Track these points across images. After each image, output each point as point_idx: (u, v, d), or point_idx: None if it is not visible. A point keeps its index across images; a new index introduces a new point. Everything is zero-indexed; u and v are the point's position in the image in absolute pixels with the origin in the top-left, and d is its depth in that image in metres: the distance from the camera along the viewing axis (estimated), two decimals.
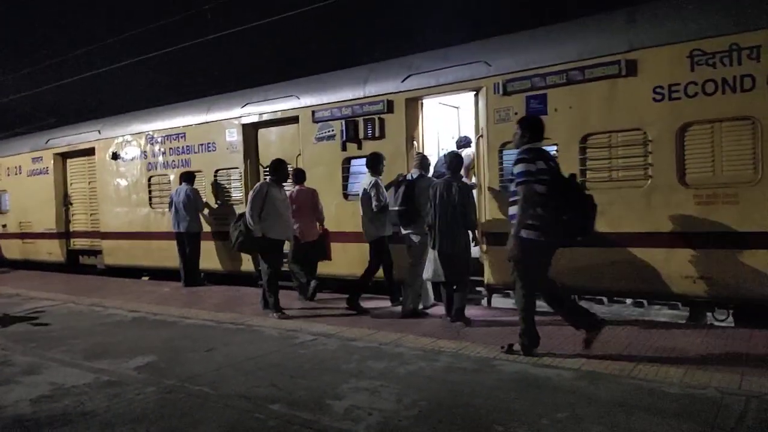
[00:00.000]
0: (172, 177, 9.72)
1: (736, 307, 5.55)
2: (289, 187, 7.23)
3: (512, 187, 4.46)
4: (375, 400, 3.56)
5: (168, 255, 9.51)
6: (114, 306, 7.35)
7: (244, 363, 4.49)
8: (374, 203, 6.24)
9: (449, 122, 7.97)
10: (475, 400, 3.52)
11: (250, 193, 6.49)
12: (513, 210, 4.39)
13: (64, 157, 11.83)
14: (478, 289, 6.93)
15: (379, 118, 7.22)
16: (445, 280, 5.75)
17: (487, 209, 6.45)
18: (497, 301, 7.00)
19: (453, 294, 5.76)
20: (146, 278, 10.46)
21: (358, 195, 6.63)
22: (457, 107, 7.90)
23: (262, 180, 7.60)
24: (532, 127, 4.47)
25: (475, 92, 6.58)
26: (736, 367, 3.92)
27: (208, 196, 9.13)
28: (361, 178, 6.88)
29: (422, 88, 6.93)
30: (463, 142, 7.47)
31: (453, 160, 5.88)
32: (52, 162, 11.83)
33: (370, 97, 7.32)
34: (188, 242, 8.91)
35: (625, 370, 3.96)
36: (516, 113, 6.13)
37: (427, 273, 5.82)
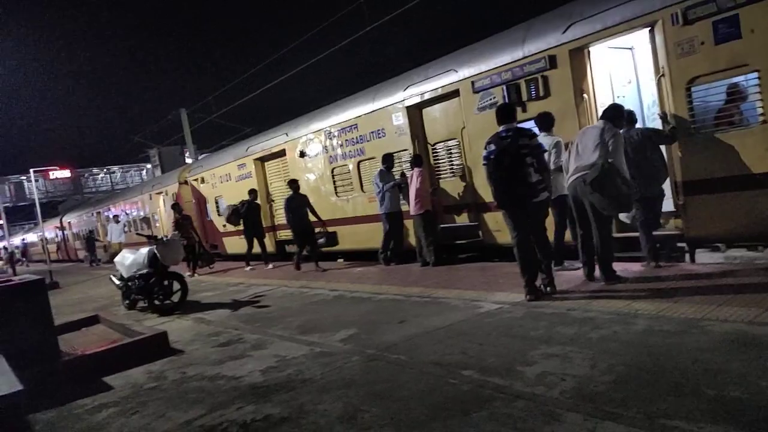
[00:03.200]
0: (351, 167, 10.47)
1: None
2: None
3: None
4: (567, 366, 3.50)
5: (357, 238, 10.32)
6: (318, 287, 8.25)
7: (434, 333, 4.74)
8: (553, 163, 6.10)
9: (623, 66, 7.29)
10: (681, 364, 3.27)
11: (613, 139, 5.40)
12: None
13: (262, 161, 13.48)
14: (679, 245, 6.32)
15: (542, 77, 6.92)
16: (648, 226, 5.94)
17: (679, 155, 5.81)
18: (702, 256, 6.30)
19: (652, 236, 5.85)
20: (341, 260, 11.49)
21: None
22: (630, 48, 7.18)
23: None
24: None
25: (649, 28, 5.92)
26: None
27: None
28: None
29: (587, 36, 6.46)
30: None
31: (627, 112, 5.93)
32: (254, 167, 13.56)
33: (530, 56, 7.04)
34: (385, 222, 9.15)
35: None
36: (702, 43, 5.39)
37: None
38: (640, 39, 6.52)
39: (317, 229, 10.39)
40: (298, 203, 10.19)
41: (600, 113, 6.67)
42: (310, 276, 9.59)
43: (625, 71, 7.32)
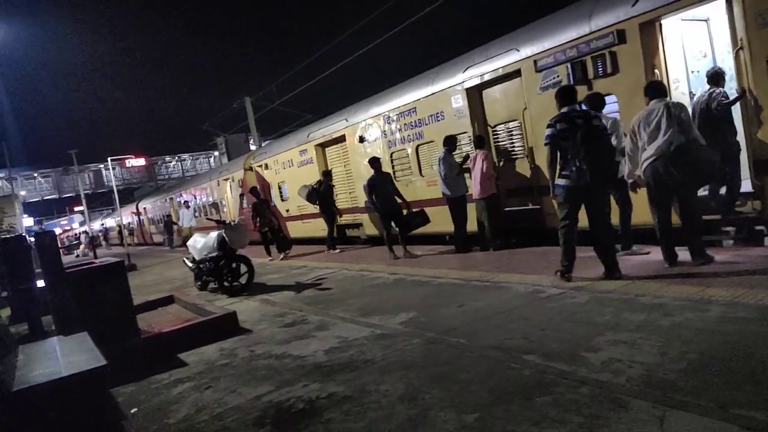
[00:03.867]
0: (409, 150, 10.46)
1: None
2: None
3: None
4: (635, 353, 3.40)
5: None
6: (377, 270, 8.36)
7: (494, 317, 4.72)
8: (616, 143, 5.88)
9: (698, 38, 6.86)
10: (757, 352, 3.11)
11: (683, 112, 5.22)
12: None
13: (323, 146, 13.70)
14: (758, 227, 5.96)
15: (610, 52, 6.63)
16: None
17: (757, 132, 5.45)
18: None
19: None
20: None
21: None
22: (705, 20, 6.74)
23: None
24: (564, 95, 5.55)
25: None
26: None
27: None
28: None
29: (658, 8, 6.11)
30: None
31: (713, 72, 6.01)
32: (315, 152, 13.81)
33: (597, 32, 6.76)
34: (450, 206, 8.94)
35: None
36: None
37: None
38: (716, 10, 6.12)
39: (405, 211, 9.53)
40: (382, 182, 9.47)
41: (671, 89, 6.39)
42: (370, 259, 9.72)
43: (699, 44, 6.89)
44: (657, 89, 5.43)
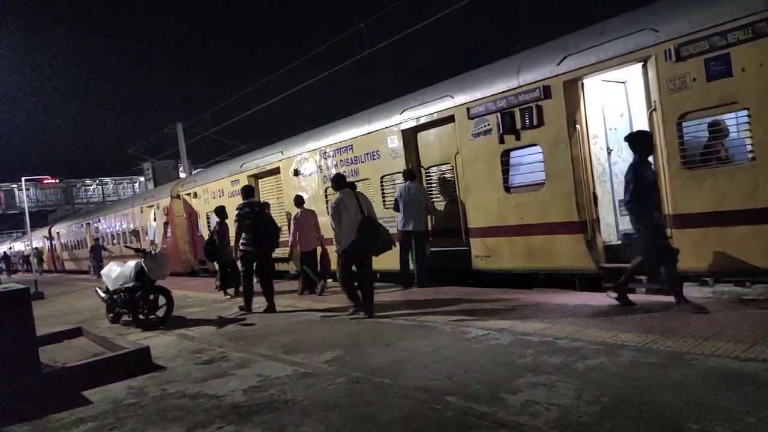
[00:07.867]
0: None
1: None
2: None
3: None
4: (553, 396, 3.48)
5: None
6: (304, 307, 8.17)
7: (419, 357, 4.70)
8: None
9: (615, 98, 7.41)
10: (665, 397, 3.26)
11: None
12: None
13: (256, 177, 13.47)
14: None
15: (537, 106, 7.01)
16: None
17: (668, 189, 5.88)
18: (690, 290, 6.32)
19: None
20: (330, 280, 11.39)
21: (521, 187, 6.55)
22: (623, 82, 7.31)
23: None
24: (245, 192, 8.41)
25: (642, 63, 6.04)
26: None
27: (376, 202, 9.66)
28: (523, 169, 6.79)
29: (581, 68, 6.58)
30: None
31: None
32: (247, 183, 13.51)
33: (525, 86, 7.14)
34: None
35: None
36: (694, 79, 5.51)
37: None
38: (633, 73, 6.65)
39: None
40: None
41: (590, 143, 6.82)
42: (296, 296, 9.51)
43: (617, 104, 7.43)
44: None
